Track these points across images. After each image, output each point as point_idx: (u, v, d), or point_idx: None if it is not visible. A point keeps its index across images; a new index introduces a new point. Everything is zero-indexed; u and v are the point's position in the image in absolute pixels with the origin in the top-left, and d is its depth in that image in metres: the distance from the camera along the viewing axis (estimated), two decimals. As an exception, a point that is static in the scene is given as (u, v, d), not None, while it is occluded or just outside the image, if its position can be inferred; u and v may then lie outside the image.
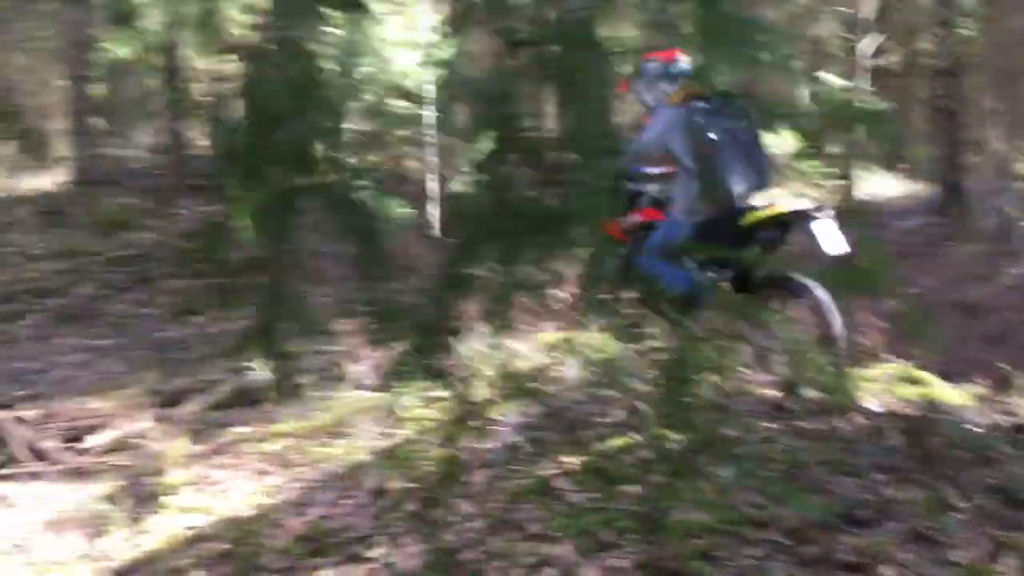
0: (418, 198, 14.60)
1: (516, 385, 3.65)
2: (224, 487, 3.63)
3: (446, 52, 13.94)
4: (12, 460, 4.04)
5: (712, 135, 4.46)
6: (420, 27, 13.87)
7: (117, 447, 4.32)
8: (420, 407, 3.78)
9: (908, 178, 13.13)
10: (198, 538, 3.23)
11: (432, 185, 14.52)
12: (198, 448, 4.10)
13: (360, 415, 3.91)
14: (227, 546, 3.08)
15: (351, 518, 3.02)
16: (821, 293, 3.98)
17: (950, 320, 6.99)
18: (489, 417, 3.32)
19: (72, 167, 8.48)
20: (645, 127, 4.79)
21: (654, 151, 4.63)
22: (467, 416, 3.44)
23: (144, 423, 4.47)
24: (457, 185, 15.27)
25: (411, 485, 3.07)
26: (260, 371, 4.75)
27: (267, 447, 3.93)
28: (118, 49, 10.25)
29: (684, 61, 4.65)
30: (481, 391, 3.67)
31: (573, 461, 2.75)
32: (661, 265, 4.61)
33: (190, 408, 4.70)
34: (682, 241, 4.52)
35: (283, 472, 3.65)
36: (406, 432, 3.60)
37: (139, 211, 7.54)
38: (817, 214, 4.34)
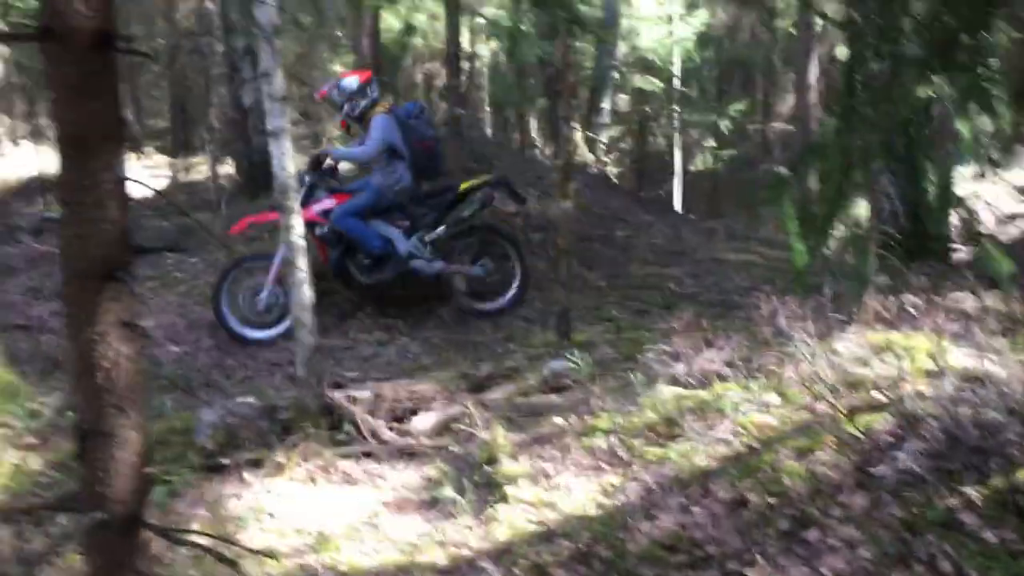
0: (662, 174, 14.48)
1: (869, 396, 3.46)
2: (559, 481, 3.69)
3: (696, 24, 13.55)
4: (353, 439, 4.30)
5: (431, 132, 6.64)
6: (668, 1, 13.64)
7: (439, 430, 4.51)
8: (756, 411, 3.66)
9: None
10: (549, 534, 3.28)
11: (676, 161, 14.36)
12: (517, 437, 4.21)
13: (687, 415, 3.84)
14: (582, 546, 3.11)
15: (712, 530, 2.96)
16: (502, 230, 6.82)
17: None
18: (849, 431, 3.16)
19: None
20: (360, 132, 6.64)
21: (385, 148, 6.39)
22: (820, 428, 3.30)
23: (460, 407, 4.64)
24: (701, 161, 14.95)
25: (773, 500, 2.97)
26: (569, 359, 4.85)
27: (591, 441, 3.95)
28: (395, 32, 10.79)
29: (376, 82, 6.60)
30: (825, 399, 3.52)
31: (975, 492, 2.54)
32: (363, 226, 6.33)
33: (499, 394, 4.83)
34: (383, 206, 6.44)
35: (617, 471, 3.64)
36: (745, 439, 3.49)
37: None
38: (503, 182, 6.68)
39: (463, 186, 6.58)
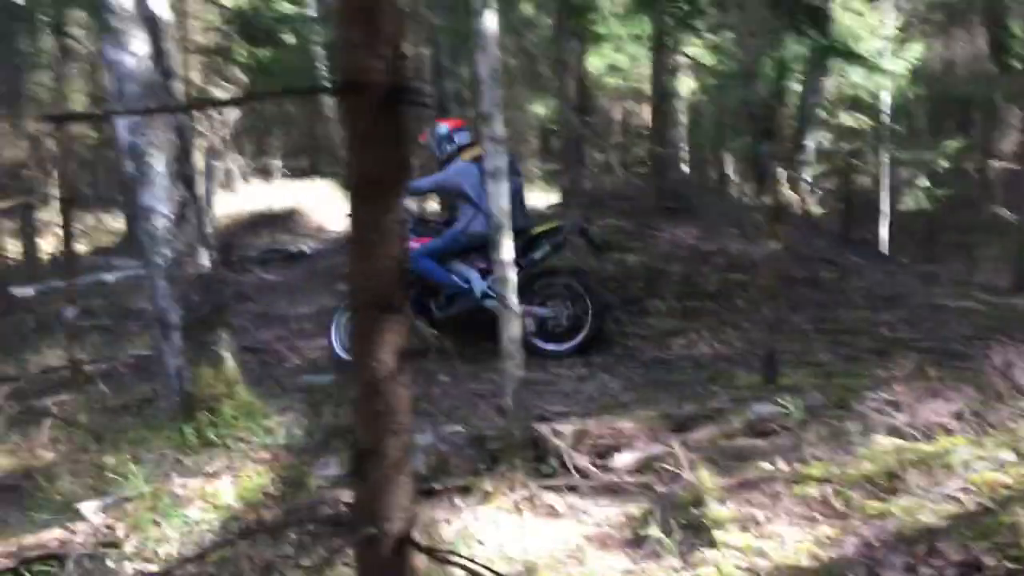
0: (868, 215, 13.84)
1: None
2: (770, 529, 3.59)
3: (909, 59, 12.91)
4: (557, 472, 4.37)
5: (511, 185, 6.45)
6: (877, 35, 13.08)
7: (642, 468, 4.50)
8: (990, 469, 3.43)
9: None
10: (759, 582, 3.21)
11: (884, 201, 13.68)
12: (724, 480, 4.13)
13: (910, 468, 3.64)
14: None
15: (942, 592, 2.80)
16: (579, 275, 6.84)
17: None
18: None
19: (561, 188, 9.20)
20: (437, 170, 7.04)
21: (444, 189, 7.05)
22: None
23: (662, 446, 4.60)
24: (912, 201, 14.17)
25: (1013, 566, 2.77)
26: (777, 402, 4.72)
27: (804, 490, 3.82)
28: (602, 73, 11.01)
29: (466, 130, 6.99)
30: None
31: None
32: (434, 267, 6.77)
33: (703, 435, 4.75)
34: (457, 249, 6.82)
35: (833, 523, 3.51)
36: (978, 498, 3.27)
37: (624, 233, 7.93)
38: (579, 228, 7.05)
39: (536, 230, 6.81)
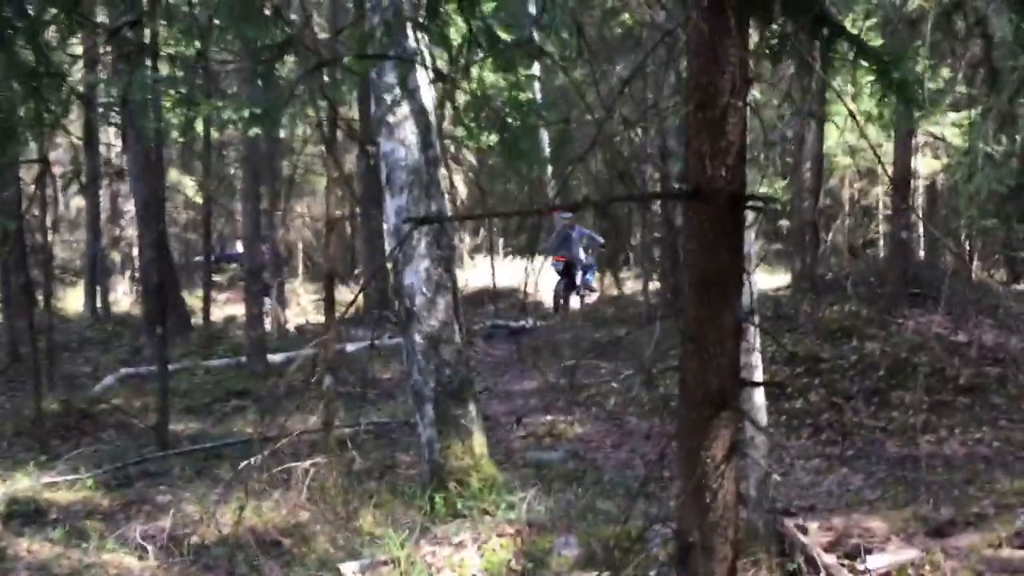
0: None
1: None
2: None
3: None
4: (802, 570, 4.17)
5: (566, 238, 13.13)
6: None
7: (896, 573, 4.22)
8: None
9: None
10: None
11: None
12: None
13: None
14: None
15: None
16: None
17: None
18: None
19: (791, 271, 9.02)
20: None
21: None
22: None
23: (917, 551, 4.31)
24: None
25: None
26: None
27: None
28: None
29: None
30: None
31: None
32: None
33: (964, 543, 4.41)
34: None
35: None
36: None
37: (863, 319, 7.61)
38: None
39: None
